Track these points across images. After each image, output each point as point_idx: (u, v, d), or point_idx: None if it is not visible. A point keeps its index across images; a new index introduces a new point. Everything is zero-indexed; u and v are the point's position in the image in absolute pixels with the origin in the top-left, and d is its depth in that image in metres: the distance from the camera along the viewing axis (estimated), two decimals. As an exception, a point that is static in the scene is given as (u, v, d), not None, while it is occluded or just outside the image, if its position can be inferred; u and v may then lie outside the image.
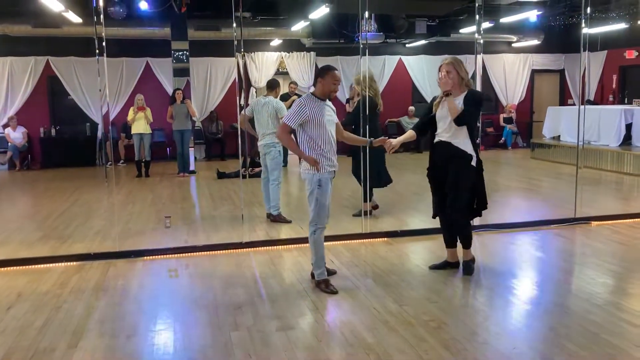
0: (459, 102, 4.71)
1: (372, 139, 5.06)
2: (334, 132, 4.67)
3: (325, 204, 4.61)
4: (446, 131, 4.78)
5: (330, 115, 4.64)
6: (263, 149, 7.05)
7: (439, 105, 4.84)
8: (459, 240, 5.07)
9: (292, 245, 5.99)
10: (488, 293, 4.57)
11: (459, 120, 4.65)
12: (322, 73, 4.63)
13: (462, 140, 4.73)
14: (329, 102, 4.72)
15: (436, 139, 4.89)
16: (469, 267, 4.99)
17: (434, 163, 4.94)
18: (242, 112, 7.37)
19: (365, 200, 6.95)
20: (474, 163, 4.77)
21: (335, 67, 4.78)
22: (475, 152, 4.78)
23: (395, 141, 4.92)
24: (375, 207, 7.37)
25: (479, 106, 4.84)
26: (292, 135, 4.81)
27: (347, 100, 14.10)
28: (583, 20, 7.13)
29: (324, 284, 4.64)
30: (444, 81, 4.71)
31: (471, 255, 5.07)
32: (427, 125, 4.98)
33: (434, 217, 5.11)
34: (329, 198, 4.65)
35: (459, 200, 4.77)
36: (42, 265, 5.48)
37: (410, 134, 5.07)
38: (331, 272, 4.96)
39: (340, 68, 14.86)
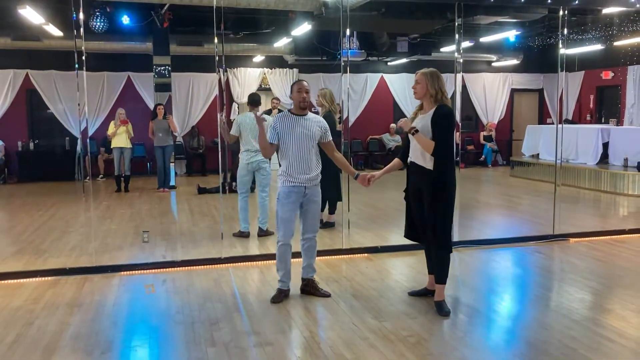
0: (425, 122, 4.31)
1: (358, 172, 4.81)
2: (308, 147, 4.62)
3: (285, 218, 4.64)
4: (415, 150, 4.41)
5: (306, 129, 4.62)
6: (254, 165, 6.92)
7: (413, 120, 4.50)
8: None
9: (271, 261, 5.90)
10: (467, 309, 4.56)
11: (437, 155, 4.24)
12: (291, 89, 4.83)
13: (430, 161, 4.27)
14: (311, 117, 4.73)
15: (409, 159, 4.49)
16: (439, 307, 4.41)
17: (408, 186, 4.55)
18: (230, 133, 7.00)
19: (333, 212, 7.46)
20: (447, 185, 4.29)
21: (303, 79, 4.92)
22: (446, 172, 4.29)
23: (374, 175, 4.66)
24: (333, 223, 7.48)
25: (446, 123, 4.30)
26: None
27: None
28: (560, 41, 7.27)
29: (276, 292, 4.77)
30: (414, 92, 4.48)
31: (442, 296, 4.46)
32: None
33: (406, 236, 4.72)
34: (289, 213, 4.63)
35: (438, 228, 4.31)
36: (15, 280, 5.36)
37: (395, 164, 4.68)
38: (325, 295, 4.84)
39: (322, 85, 14.95)
